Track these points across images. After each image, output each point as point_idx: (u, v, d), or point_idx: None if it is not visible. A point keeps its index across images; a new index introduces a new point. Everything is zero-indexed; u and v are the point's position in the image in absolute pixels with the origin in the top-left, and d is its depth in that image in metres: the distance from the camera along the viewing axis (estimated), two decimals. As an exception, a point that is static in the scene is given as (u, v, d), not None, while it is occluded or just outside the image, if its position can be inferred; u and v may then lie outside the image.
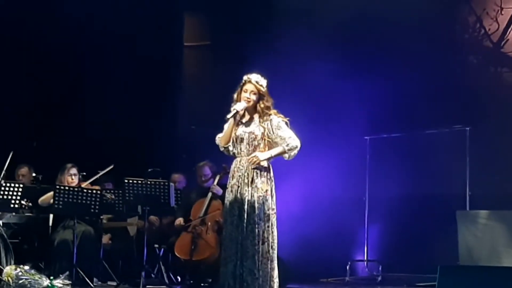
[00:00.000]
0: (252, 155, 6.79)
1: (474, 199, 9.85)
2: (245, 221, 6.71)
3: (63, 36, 11.41)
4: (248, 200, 6.74)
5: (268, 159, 6.83)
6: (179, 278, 9.87)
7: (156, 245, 9.83)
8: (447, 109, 10.58)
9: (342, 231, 10.79)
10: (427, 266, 8.41)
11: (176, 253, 9.35)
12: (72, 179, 9.47)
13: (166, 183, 9.18)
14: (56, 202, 9.01)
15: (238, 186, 6.81)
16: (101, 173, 9.57)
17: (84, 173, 9.58)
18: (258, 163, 6.79)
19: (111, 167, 9.56)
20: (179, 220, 9.54)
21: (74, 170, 9.52)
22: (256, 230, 6.70)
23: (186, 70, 12.81)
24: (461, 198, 9.87)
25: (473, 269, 6.03)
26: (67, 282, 8.74)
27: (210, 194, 9.45)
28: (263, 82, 6.91)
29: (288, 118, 6.96)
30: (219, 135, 6.98)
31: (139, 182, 9.11)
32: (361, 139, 10.85)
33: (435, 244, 9.76)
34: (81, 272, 8.89)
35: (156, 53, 11.80)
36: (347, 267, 10.51)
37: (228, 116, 6.84)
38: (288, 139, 6.80)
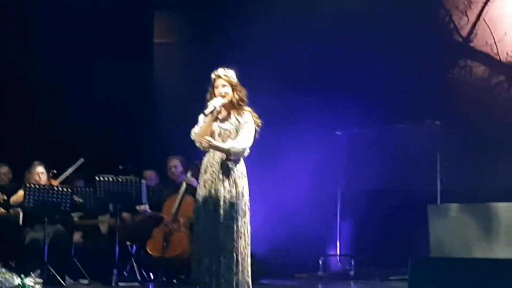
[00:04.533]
0: (207, 138, 6.71)
1: (445, 193, 9.89)
2: (221, 216, 6.65)
3: (34, 34, 11.35)
4: (224, 196, 6.68)
5: (214, 148, 6.74)
6: (151, 275, 9.83)
7: (128, 243, 9.80)
8: (417, 103, 10.62)
9: (314, 226, 10.81)
10: (400, 260, 8.44)
11: (148, 250, 9.33)
12: (40, 177, 9.40)
13: (138, 180, 9.18)
14: (27, 200, 8.95)
15: (212, 182, 6.74)
16: (71, 168, 9.50)
17: (55, 171, 9.53)
18: (209, 146, 6.69)
19: (81, 160, 9.49)
20: (144, 206, 9.55)
21: (41, 168, 9.44)
22: (234, 226, 6.65)
23: (156, 67, 12.77)
24: (432, 192, 9.92)
25: (445, 261, 6.06)
26: (39, 280, 8.67)
27: (182, 189, 9.44)
28: (231, 73, 6.88)
29: (261, 122, 6.92)
30: (195, 130, 6.91)
31: (110, 179, 9.10)
32: (333, 134, 10.86)
33: (407, 238, 9.77)
34: (53, 271, 8.84)
35: (126, 50, 11.75)
36: (320, 262, 10.53)
37: (206, 112, 6.77)
38: (240, 139, 6.73)
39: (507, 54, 10.64)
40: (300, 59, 10.97)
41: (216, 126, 6.82)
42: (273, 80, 10.92)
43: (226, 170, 6.73)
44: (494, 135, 10.16)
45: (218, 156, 6.77)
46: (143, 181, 9.28)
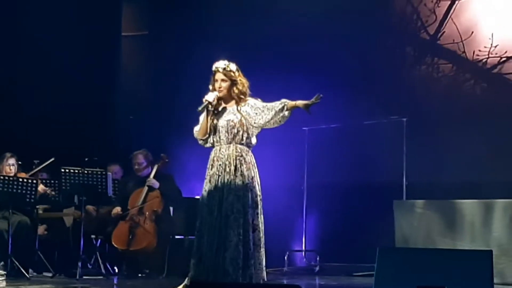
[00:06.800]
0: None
1: (411, 189, 9.96)
2: (227, 210, 6.51)
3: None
4: (232, 189, 6.57)
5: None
6: (116, 268, 9.77)
7: (93, 236, 9.74)
8: (384, 100, 10.68)
9: (280, 222, 10.74)
10: (364, 255, 8.45)
11: (113, 243, 9.28)
12: (10, 169, 9.31)
13: (104, 172, 9.13)
14: (-10, 191, 8.87)
15: (219, 176, 6.60)
16: (42, 165, 9.41)
17: (20, 162, 9.44)
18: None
19: (52, 160, 9.41)
20: (117, 209, 9.47)
21: (12, 160, 9.36)
22: (241, 219, 6.48)
23: (124, 60, 12.70)
24: (398, 188, 9.97)
25: (412, 251, 6.09)
26: (2, 272, 8.63)
27: (145, 190, 9.40)
28: (232, 66, 6.80)
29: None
30: (196, 128, 6.85)
31: (76, 171, 9.04)
32: (299, 130, 10.85)
33: (372, 234, 9.82)
34: (16, 263, 8.76)
35: (93, 43, 11.67)
36: (285, 258, 10.54)
37: (199, 108, 6.71)
38: (268, 106, 6.73)
39: (473, 52, 10.73)
40: (268, 54, 10.98)
41: (221, 121, 6.73)
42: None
43: (233, 163, 6.65)
44: (459, 132, 10.22)
45: (225, 150, 6.68)
46: (109, 173, 9.22)
